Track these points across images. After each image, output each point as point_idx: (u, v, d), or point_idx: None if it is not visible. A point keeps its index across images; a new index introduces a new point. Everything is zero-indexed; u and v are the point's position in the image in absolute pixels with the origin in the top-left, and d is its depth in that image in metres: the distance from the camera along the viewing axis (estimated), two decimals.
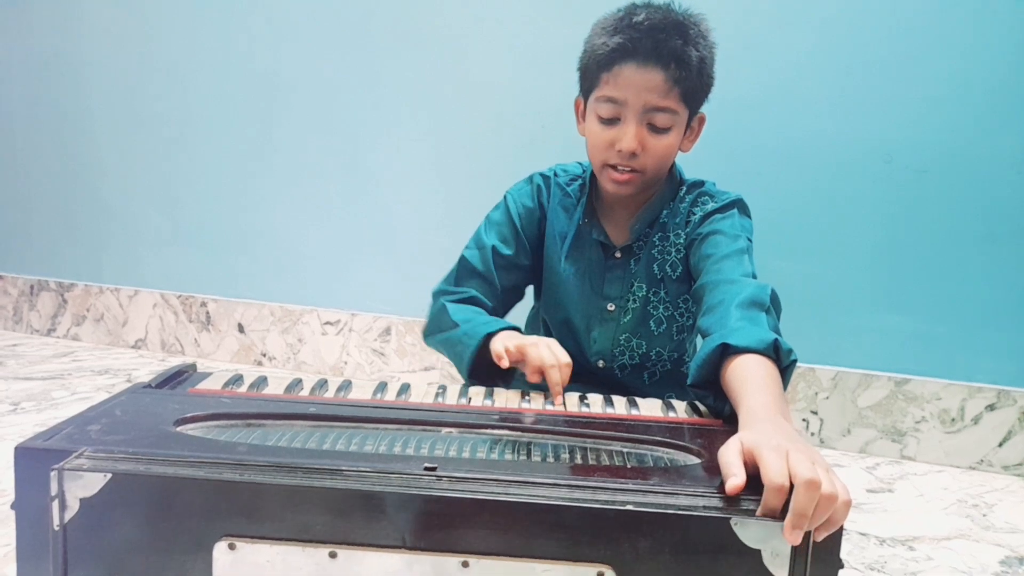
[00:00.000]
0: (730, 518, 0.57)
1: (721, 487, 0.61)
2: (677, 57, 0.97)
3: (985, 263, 1.46)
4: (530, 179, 1.19)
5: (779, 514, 0.57)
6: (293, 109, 1.92)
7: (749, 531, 0.57)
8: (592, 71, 1.03)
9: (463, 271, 1.15)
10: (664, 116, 0.99)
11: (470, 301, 1.11)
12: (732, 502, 0.59)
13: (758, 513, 0.57)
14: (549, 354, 0.91)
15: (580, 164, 1.19)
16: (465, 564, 0.59)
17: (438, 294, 1.15)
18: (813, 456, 0.60)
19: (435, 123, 1.81)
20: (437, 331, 1.10)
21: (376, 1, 1.80)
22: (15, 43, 2.18)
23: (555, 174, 1.18)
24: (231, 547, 0.60)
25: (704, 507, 0.58)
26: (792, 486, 0.57)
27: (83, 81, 2.13)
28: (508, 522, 0.59)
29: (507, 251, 1.15)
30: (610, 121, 1.01)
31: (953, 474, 1.47)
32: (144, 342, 2.16)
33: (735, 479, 0.59)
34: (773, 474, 0.57)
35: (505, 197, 1.19)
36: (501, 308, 1.17)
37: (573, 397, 0.88)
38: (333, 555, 0.59)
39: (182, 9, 1.98)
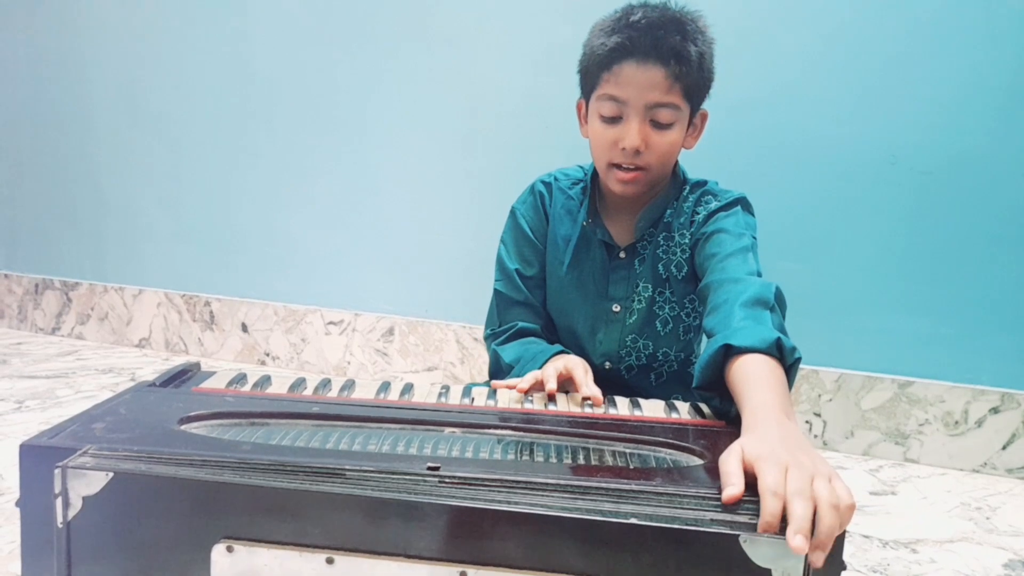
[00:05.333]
0: (739, 535, 0.56)
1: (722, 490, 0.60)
2: (676, 53, 0.97)
3: (990, 265, 1.46)
4: (532, 188, 1.19)
5: (778, 530, 0.56)
6: (297, 109, 1.92)
7: (758, 549, 0.55)
8: (592, 72, 1.03)
9: (501, 304, 1.17)
10: (666, 112, 0.99)
11: (517, 334, 1.14)
12: (740, 516, 0.58)
13: (759, 528, 0.56)
14: (554, 372, 0.92)
15: (581, 167, 1.19)
16: (463, 574, 0.58)
17: (488, 339, 1.17)
18: (815, 463, 0.60)
19: (439, 123, 1.81)
20: (496, 376, 1.12)
21: (379, 1, 1.81)
22: (18, 42, 2.19)
23: (556, 179, 1.18)
24: (229, 549, 0.60)
25: (711, 521, 0.57)
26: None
27: (87, 80, 2.13)
28: (508, 532, 0.58)
29: (531, 271, 1.16)
30: (612, 120, 1.01)
31: (956, 477, 1.46)
32: (148, 341, 2.17)
33: (733, 488, 0.59)
34: (769, 485, 0.57)
35: (513, 212, 1.19)
36: (550, 322, 1.19)
37: (576, 398, 0.88)
38: (330, 561, 0.59)
39: (185, 8, 1.99)
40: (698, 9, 1.03)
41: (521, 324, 1.14)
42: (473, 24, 1.74)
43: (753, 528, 0.56)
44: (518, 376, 1.02)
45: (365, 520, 0.59)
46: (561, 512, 0.57)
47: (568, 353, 1.07)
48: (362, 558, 0.59)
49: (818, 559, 0.55)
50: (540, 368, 0.97)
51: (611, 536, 0.57)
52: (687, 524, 0.56)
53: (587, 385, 0.89)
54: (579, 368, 0.92)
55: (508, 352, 1.11)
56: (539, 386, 0.90)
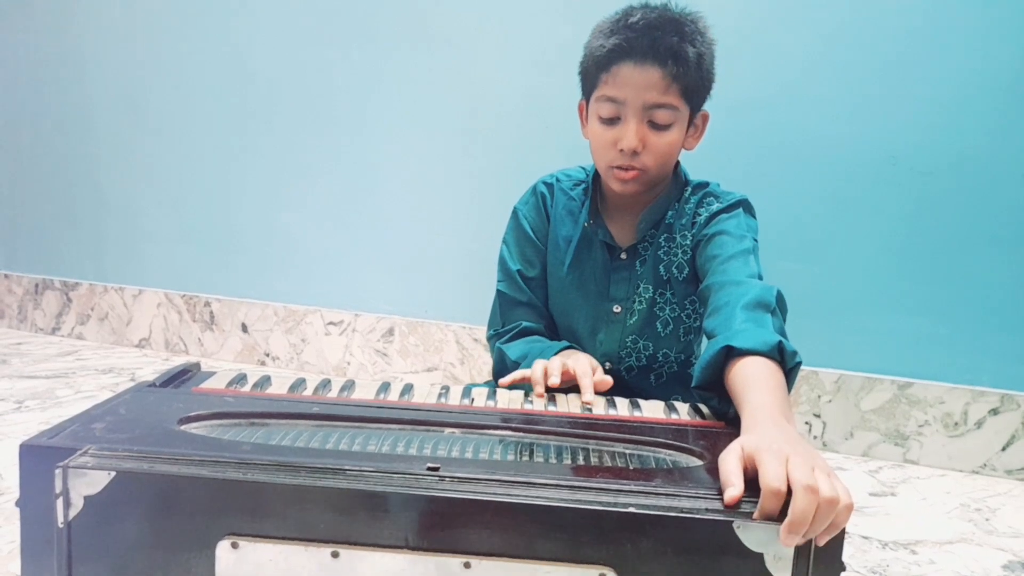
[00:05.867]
0: (732, 521, 0.57)
1: (722, 490, 0.60)
2: (674, 54, 0.97)
3: (990, 266, 1.46)
4: (534, 189, 1.19)
5: (777, 517, 0.57)
6: (297, 109, 1.92)
7: (751, 534, 0.57)
8: (591, 73, 1.04)
9: (504, 305, 1.17)
10: (664, 112, 1.00)
11: (521, 333, 1.14)
12: (734, 505, 0.59)
13: (755, 516, 0.57)
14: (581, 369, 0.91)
15: (583, 168, 1.19)
16: (467, 565, 0.59)
17: (492, 339, 1.17)
18: (815, 460, 0.60)
19: (439, 123, 1.81)
20: (502, 374, 1.11)
21: (379, 1, 1.81)
22: (18, 42, 2.19)
23: (557, 180, 1.18)
24: (234, 546, 0.60)
25: (706, 509, 0.58)
26: (790, 491, 0.57)
27: (87, 80, 2.13)
28: (510, 523, 0.59)
29: (533, 272, 1.17)
30: (611, 121, 1.02)
31: (956, 478, 1.47)
32: (148, 341, 2.17)
33: (733, 489, 0.59)
34: (770, 478, 0.57)
35: (515, 213, 1.20)
36: (552, 323, 1.19)
37: (576, 398, 0.88)
38: (335, 555, 0.59)
39: (185, 8, 1.99)
40: (699, 11, 1.03)
41: (525, 324, 1.15)
42: (473, 24, 1.74)
43: (745, 515, 0.58)
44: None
45: (370, 514, 0.59)
46: (562, 503, 0.58)
47: (576, 349, 1.08)
48: (367, 551, 0.59)
49: (792, 541, 0.56)
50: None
51: (610, 526, 0.58)
52: (683, 512, 0.58)
53: (589, 391, 0.88)
54: (585, 377, 0.90)
55: (514, 349, 1.11)
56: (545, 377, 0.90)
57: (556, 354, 1.02)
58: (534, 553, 0.58)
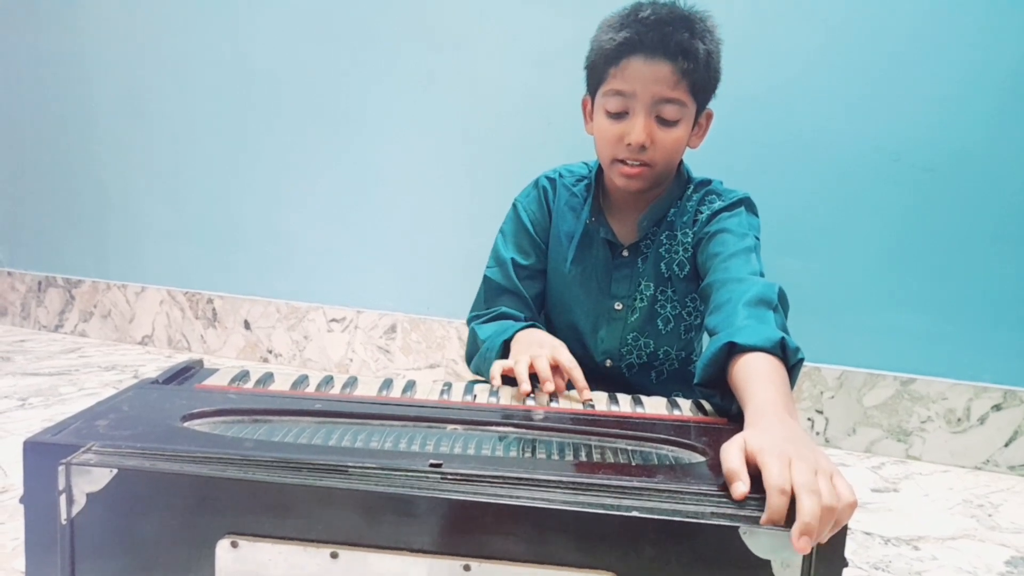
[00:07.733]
0: (738, 527, 0.56)
1: (724, 486, 0.60)
2: (684, 49, 0.97)
3: (992, 262, 1.46)
4: (536, 183, 1.19)
5: (784, 521, 0.56)
6: (299, 107, 1.92)
7: (758, 541, 0.56)
8: (599, 67, 1.03)
9: (489, 291, 1.16)
10: (672, 108, 0.99)
11: (499, 318, 1.13)
12: (740, 509, 0.58)
13: (763, 520, 0.56)
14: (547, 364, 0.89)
15: (586, 164, 1.19)
16: (467, 568, 0.58)
17: (470, 320, 1.17)
18: (818, 459, 0.59)
19: (441, 121, 1.81)
20: (473, 355, 1.12)
21: (381, 0, 1.81)
22: (20, 40, 2.19)
23: (560, 175, 1.18)
24: (233, 545, 0.60)
25: (712, 514, 0.57)
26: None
27: (88, 78, 2.13)
28: (511, 526, 0.58)
29: (526, 261, 1.16)
30: (618, 115, 1.01)
31: (958, 474, 1.46)
32: (151, 338, 2.17)
33: (741, 485, 0.59)
34: (775, 479, 0.57)
35: (515, 205, 1.19)
36: (535, 316, 1.18)
37: (577, 395, 0.88)
38: (335, 555, 0.59)
39: (187, 6, 1.98)
40: (706, 9, 1.03)
41: (504, 309, 1.14)
42: (475, 23, 1.74)
43: (752, 520, 0.57)
44: (488, 348, 1.04)
45: (369, 515, 0.59)
46: (563, 506, 0.58)
47: (539, 328, 1.05)
48: (366, 552, 0.59)
49: (808, 546, 0.55)
50: (509, 337, 0.98)
51: (613, 529, 0.57)
52: (688, 517, 0.57)
53: (585, 389, 0.87)
54: (576, 370, 0.89)
55: (484, 330, 1.11)
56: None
57: (517, 332, 1.02)
58: (535, 557, 0.58)
